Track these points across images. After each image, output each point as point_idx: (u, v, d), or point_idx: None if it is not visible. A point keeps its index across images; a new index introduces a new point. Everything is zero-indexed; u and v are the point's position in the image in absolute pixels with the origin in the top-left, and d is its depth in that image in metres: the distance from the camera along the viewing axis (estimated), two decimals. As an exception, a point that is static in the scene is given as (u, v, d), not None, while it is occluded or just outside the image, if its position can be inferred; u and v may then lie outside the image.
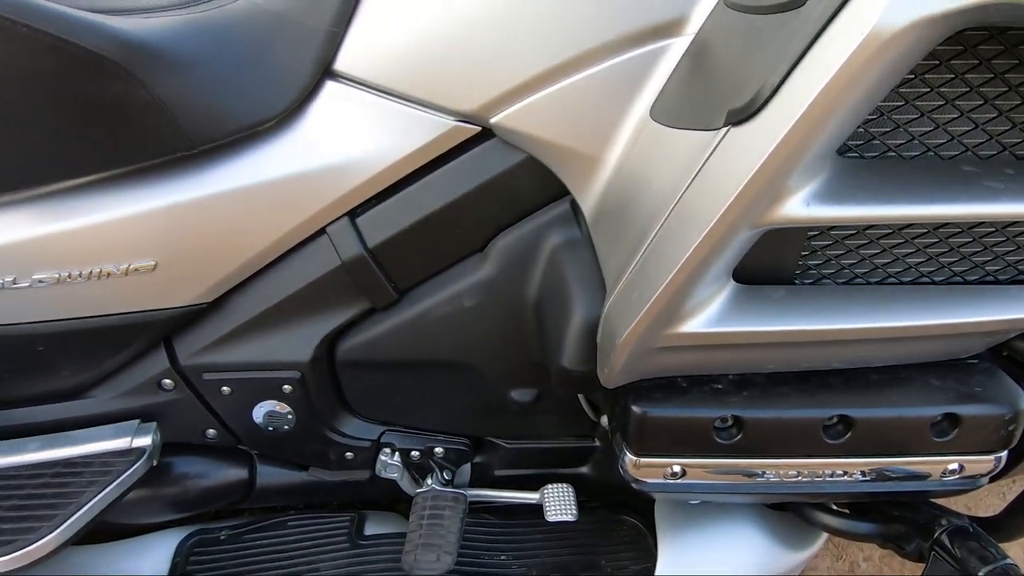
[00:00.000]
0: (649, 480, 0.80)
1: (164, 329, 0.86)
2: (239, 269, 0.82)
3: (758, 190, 0.55)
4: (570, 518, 1.00)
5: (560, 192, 0.79)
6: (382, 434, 1.01)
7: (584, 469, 1.09)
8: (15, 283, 0.77)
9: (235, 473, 1.02)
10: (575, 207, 0.80)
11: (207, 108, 0.73)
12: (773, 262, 0.66)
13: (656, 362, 0.71)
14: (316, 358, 0.89)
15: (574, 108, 0.72)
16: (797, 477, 0.78)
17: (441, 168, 0.79)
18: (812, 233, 0.65)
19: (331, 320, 0.88)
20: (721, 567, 1.00)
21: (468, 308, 0.86)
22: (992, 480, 0.80)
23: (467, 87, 0.74)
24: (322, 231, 0.82)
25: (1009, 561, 0.77)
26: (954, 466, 0.77)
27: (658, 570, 1.00)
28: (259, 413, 0.93)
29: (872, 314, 0.66)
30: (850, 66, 0.48)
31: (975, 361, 0.78)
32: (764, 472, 0.78)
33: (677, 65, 0.69)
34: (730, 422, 0.75)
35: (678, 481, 0.79)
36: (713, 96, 0.60)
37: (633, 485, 0.81)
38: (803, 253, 0.67)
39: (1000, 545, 0.82)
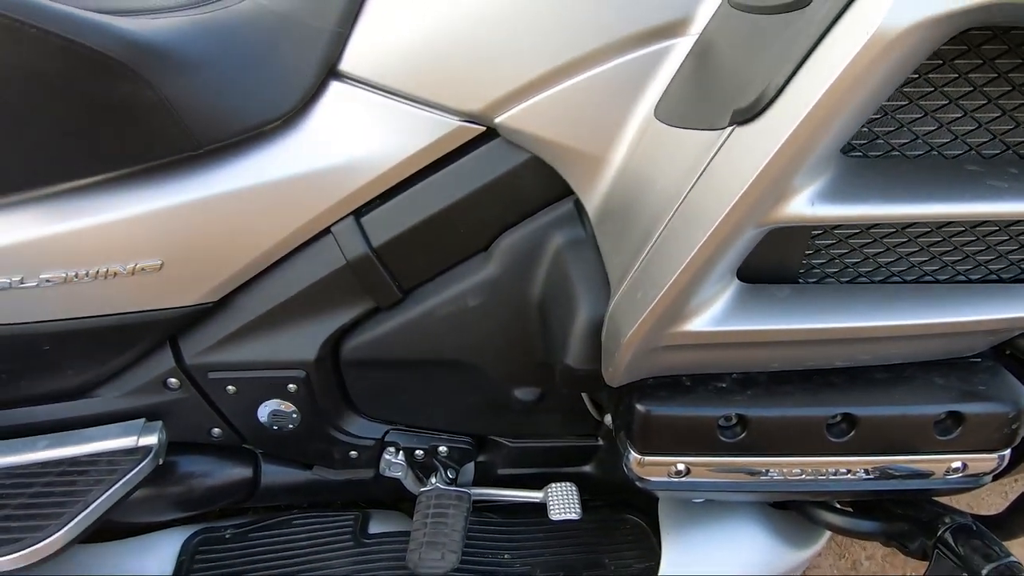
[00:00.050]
0: (653, 478, 0.80)
1: (170, 328, 0.87)
2: (244, 268, 0.82)
3: (763, 189, 0.55)
4: (574, 517, 1.00)
5: (564, 192, 0.79)
6: (386, 433, 1.02)
7: (588, 468, 1.09)
8: (22, 283, 0.77)
9: (240, 472, 1.02)
10: (579, 207, 0.80)
11: (213, 108, 0.73)
12: (777, 261, 0.67)
13: (660, 361, 0.71)
14: (321, 357, 0.89)
15: (578, 108, 0.73)
16: (801, 475, 0.78)
17: (445, 168, 0.79)
18: (816, 232, 0.65)
19: (336, 319, 0.88)
20: (724, 565, 1.00)
21: (472, 307, 0.86)
22: (995, 478, 0.80)
23: (472, 87, 0.74)
24: (327, 231, 0.82)
25: (1013, 559, 0.78)
26: (957, 464, 0.77)
27: (662, 569, 1.00)
28: (264, 412, 0.94)
29: (876, 313, 0.67)
30: (855, 66, 0.48)
31: (978, 360, 0.78)
32: (768, 470, 0.78)
33: (681, 65, 0.69)
34: (734, 420, 0.76)
35: (682, 479, 0.79)
36: (717, 96, 0.61)
37: (637, 483, 0.81)
38: (807, 252, 0.67)
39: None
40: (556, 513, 1.01)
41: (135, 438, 0.89)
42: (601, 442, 1.05)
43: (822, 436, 0.75)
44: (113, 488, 0.84)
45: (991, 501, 1.48)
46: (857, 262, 0.68)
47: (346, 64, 0.77)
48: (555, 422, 1.02)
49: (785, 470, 0.78)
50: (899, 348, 0.73)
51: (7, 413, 0.90)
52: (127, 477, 0.85)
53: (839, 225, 0.65)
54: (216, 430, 0.97)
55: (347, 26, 0.76)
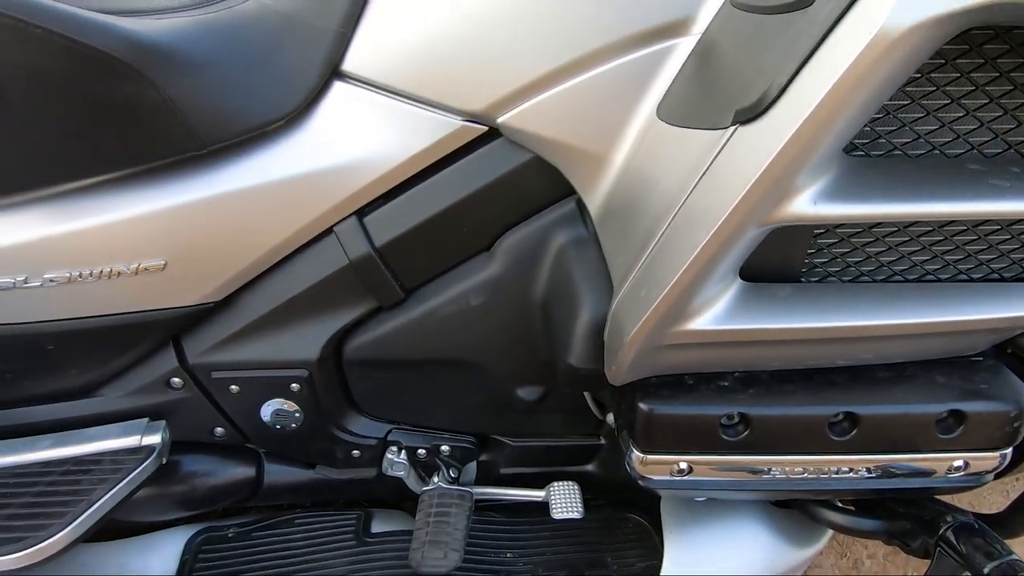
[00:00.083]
0: (655, 477, 0.80)
1: (173, 328, 0.87)
2: (248, 268, 0.83)
3: (766, 189, 0.55)
4: (576, 516, 1.00)
5: (566, 191, 0.80)
6: (389, 432, 1.02)
7: (590, 467, 1.09)
8: (26, 282, 0.77)
9: (243, 471, 1.02)
10: (581, 206, 0.80)
11: (217, 108, 0.73)
12: (780, 260, 0.67)
13: (663, 359, 0.72)
14: (324, 357, 0.89)
15: (581, 108, 0.73)
16: (803, 474, 0.78)
17: (448, 168, 0.79)
18: (818, 231, 0.66)
19: (339, 319, 0.88)
20: (727, 564, 1.00)
21: (475, 307, 0.86)
22: (997, 477, 0.80)
23: (474, 87, 0.74)
24: (330, 230, 0.82)
25: (1015, 557, 0.78)
26: (959, 463, 0.77)
27: (664, 567, 1.00)
28: (267, 411, 0.94)
29: (878, 311, 0.67)
30: (858, 66, 0.48)
31: (980, 358, 0.78)
32: (770, 469, 0.78)
33: (684, 65, 0.69)
34: (736, 419, 0.76)
35: (684, 478, 0.79)
36: (720, 95, 0.61)
37: (640, 482, 0.81)
38: (809, 251, 0.67)
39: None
40: (558, 512, 1.01)
41: (138, 437, 0.89)
42: (603, 441, 1.05)
43: (824, 435, 0.75)
44: (117, 487, 0.84)
45: (992, 500, 1.49)
46: (859, 261, 0.68)
47: (349, 64, 0.77)
48: (557, 421, 1.02)
49: (787, 469, 0.78)
50: (901, 347, 0.73)
51: (11, 412, 0.90)
52: (131, 476, 0.86)
53: (841, 224, 0.65)
54: (219, 429, 0.97)
55: (350, 26, 0.76)
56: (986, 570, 0.77)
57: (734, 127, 0.58)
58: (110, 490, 0.84)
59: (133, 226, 0.77)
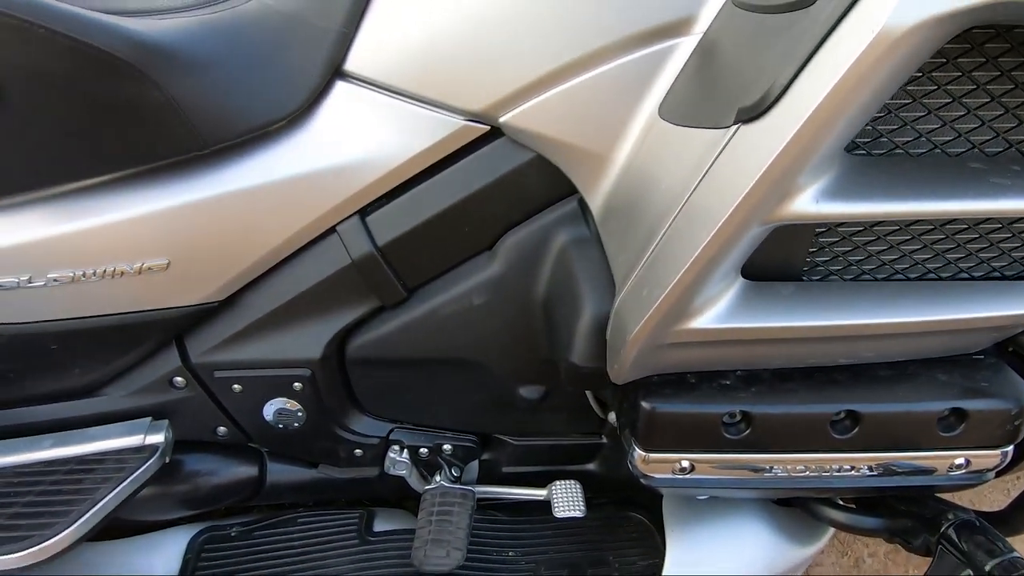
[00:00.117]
0: (658, 475, 0.81)
1: (176, 327, 0.87)
2: (250, 268, 0.83)
3: (768, 187, 0.55)
4: (578, 514, 1.00)
5: (568, 190, 0.80)
6: (391, 431, 1.02)
7: (591, 466, 1.09)
8: (30, 282, 0.77)
9: (245, 470, 1.03)
10: (583, 205, 0.80)
11: (220, 108, 0.74)
12: (782, 259, 0.67)
13: (665, 358, 0.72)
14: (326, 356, 0.90)
15: (583, 107, 0.73)
16: (804, 472, 0.79)
17: (450, 167, 0.80)
18: (820, 230, 0.66)
19: (341, 318, 0.88)
20: (728, 563, 1.00)
21: (477, 306, 0.87)
22: (998, 475, 0.81)
23: (476, 87, 0.75)
24: (332, 230, 0.82)
25: (1016, 554, 0.78)
26: (960, 461, 0.78)
27: (666, 566, 1.00)
28: (269, 411, 0.94)
29: (879, 310, 0.67)
30: (860, 65, 0.49)
31: (981, 356, 0.79)
32: (772, 467, 0.78)
33: (685, 64, 0.69)
34: (738, 417, 0.76)
35: (687, 476, 0.80)
36: (722, 94, 0.61)
37: (642, 480, 0.82)
38: (811, 250, 0.67)
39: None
40: (560, 511, 1.01)
41: (142, 437, 0.90)
42: (605, 440, 1.05)
43: (826, 433, 0.76)
44: (120, 486, 0.84)
45: (993, 498, 1.49)
46: (861, 259, 0.68)
47: (351, 64, 0.77)
48: (559, 420, 1.03)
49: (789, 467, 0.78)
50: (902, 345, 0.74)
51: (15, 412, 0.91)
52: (134, 475, 0.86)
53: (843, 223, 0.65)
54: (222, 429, 0.97)
55: (352, 26, 0.76)
56: (988, 567, 0.77)
57: (736, 126, 0.58)
58: (113, 489, 0.84)
59: (136, 226, 0.77)
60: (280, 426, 0.96)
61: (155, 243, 0.78)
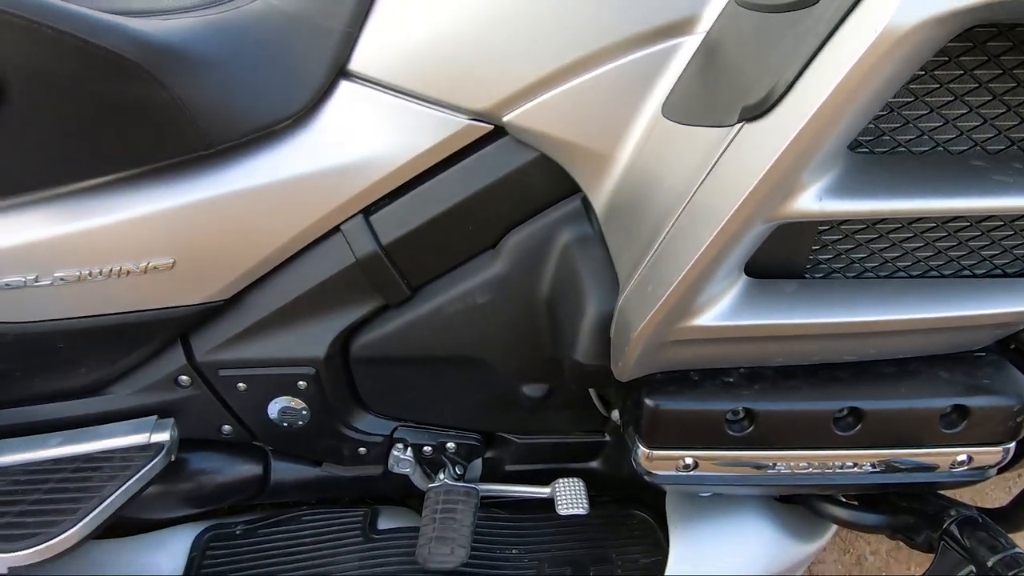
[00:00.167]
0: (661, 472, 0.81)
1: (181, 326, 0.87)
2: (255, 267, 0.83)
3: (772, 185, 0.56)
4: (581, 512, 1.01)
5: (572, 189, 0.80)
6: (395, 430, 1.02)
7: (595, 464, 1.10)
8: (37, 281, 0.78)
9: (250, 469, 1.03)
10: (586, 204, 0.81)
11: (225, 108, 0.74)
12: (785, 256, 0.67)
13: (669, 355, 0.72)
14: (330, 355, 0.90)
15: (586, 106, 0.73)
16: (807, 469, 0.79)
17: (454, 166, 0.80)
18: (823, 227, 0.66)
19: (345, 317, 0.89)
20: (731, 560, 1.01)
21: (481, 304, 0.87)
22: (1000, 472, 0.81)
23: (480, 86, 0.75)
24: (336, 229, 0.83)
25: (1018, 550, 0.78)
26: (963, 457, 0.78)
27: (669, 563, 1.01)
28: (274, 409, 0.95)
29: (881, 307, 0.67)
30: (863, 64, 0.49)
31: (983, 354, 0.79)
32: (775, 464, 0.79)
33: (689, 63, 0.70)
34: (742, 415, 0.76)
35: (690, 473, 0.80)
36: (726, 93, 0.61)
37: (645, 478, 0.82)
38: (814, 247, 0.67)
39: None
40: (564, 508, 1.01)
41: (147, 435, 0.90)
42: (608, 438, 1.06)
43: (829, 430, 0.76)
44: (126, 484, 0.85)
45: (995, 496, 1.49)
46: (863, 257, 0.68)
47: (356, 64, 0.77)
48: (563, 418, 1.03)
49: (792, 464, 0.79)
50: (905, 342, 0.74)
51: (21, 411, 0.91)
52: (140, 473, 0.86)
53: (846, 220, 0.65)
54: (226, 427, 0.98)
55: (357, 26, 0.76)
56: (990, 563, 0.77)
57: (740, 125, 0.58)
58: (120, 487, 0.84)
59: (142, 225, 0.77)
60: (284, 424, 0.96)
61: (160, 242, 0.79)
